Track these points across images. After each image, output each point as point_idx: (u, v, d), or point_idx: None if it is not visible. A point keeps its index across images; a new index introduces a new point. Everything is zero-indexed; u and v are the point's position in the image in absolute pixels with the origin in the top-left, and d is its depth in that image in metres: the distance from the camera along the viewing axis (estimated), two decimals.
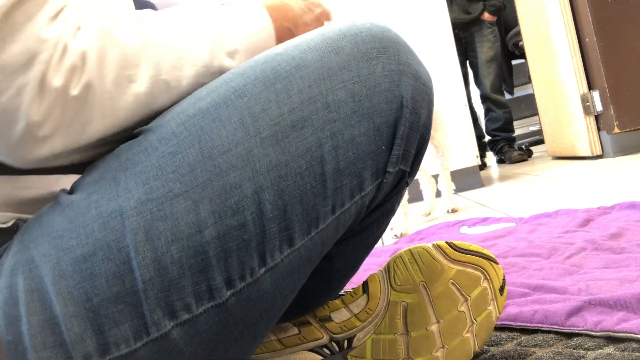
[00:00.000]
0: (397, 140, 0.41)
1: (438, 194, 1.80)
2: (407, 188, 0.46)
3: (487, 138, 3.51)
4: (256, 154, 0.36)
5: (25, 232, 0.37)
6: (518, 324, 0.64)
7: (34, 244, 0.36)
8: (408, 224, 1.58)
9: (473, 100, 3.39)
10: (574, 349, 0.55)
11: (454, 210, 1.74)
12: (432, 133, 1.68)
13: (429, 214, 1.78)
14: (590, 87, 2.25)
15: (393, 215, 0.48)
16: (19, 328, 0.34)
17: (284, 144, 0.37)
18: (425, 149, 0.45)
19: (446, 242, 0.53)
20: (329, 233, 0.40)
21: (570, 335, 0.59)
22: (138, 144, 0.38)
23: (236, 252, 0.36)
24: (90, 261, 0.34)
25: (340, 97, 0.39)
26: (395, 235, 1.52)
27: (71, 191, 0.39)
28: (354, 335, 0.52)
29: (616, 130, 2.13)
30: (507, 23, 3.48)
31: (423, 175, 1.80)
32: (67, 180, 0.43)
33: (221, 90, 0.38)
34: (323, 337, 0.51)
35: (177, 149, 0.36)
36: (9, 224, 0.39)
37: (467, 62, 3.33)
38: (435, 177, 1.81)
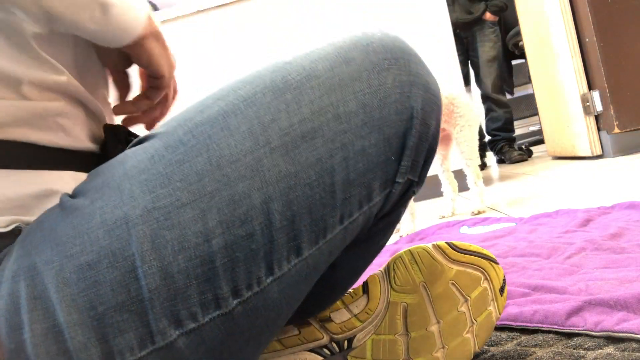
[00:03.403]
0: (407, 151, 0.41)
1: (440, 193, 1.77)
2: (422, 186, 0.46)
3: (487, 138, 3.51)
4: (265, 164, 0.36)
5: (27, 237, 0.37)
6: (518, 324, 0.64)
7: (36, 250, 0.35)
8: (414, 225, 1.54)
9: (473, 100, 3.39)
10: (574, 349, 0.55)
11: (480, 212, 1.61)
12: (450, 129, 1.61)
13: (452, 214, 1.70)
14: (590, 87, 2.25)
15: (398, 223, 0.48)
16: (21, 336, 0.34)
17: (294, 155, 0.37)
18: (433, 158, 0.45)
19: (446, 243, 0.53)
20: (337, 243, 0.40)
21: (570, 335, 0.59)
22: (144, 151, 0.37)
23: (243, 262, 0.35)
24: (94, 269, 0.34)
25: (351, 108, 0.39)
26: (401, 236, 1.51)
27: (74, 196, 0.38)
28: (354, 336, 0.52)
29: (616, 130, 2.13)
30: (507, 23, 3.48)
31: (444, 172, 1.70)
32: (65, 177, 0.42)
33: (229, 98, 0.38)
34: (323, 337, 0.52)
35: (185, 157, 0.36)
36: (9, 228, 0.39)
37: (469, 61, 3.33)
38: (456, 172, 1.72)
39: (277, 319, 0.39)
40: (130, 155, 0.38)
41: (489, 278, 0.54)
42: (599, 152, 2.26)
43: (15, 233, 0.39)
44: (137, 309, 0.34)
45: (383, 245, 0.48)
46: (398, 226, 1.51)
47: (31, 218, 0.40)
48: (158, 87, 0.52)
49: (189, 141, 0.37)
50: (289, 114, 0.37)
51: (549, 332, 0.61)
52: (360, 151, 0.39)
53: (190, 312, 0.35)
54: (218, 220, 0.35)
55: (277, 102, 0.38)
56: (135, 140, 0.40)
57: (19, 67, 0.40)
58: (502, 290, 0.55)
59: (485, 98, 3.32)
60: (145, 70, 0.51)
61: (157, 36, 0.48)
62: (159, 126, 0.40)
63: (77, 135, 0.45)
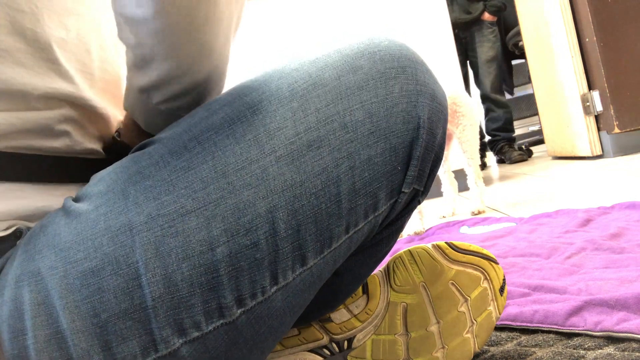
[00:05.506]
0: (413, 161, 0.41)
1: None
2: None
3: (487, 138, 3.51)
4: (271, 173, 0.36)
5: (30, 241, 0.37)
6: (518, 324, 0.64)
7: (39, 255, 0.35)
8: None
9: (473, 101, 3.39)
10: (574, 349, 0.55)
11: (480, 212, 1.61)
12: (452, 128, 1.61)
13: (453, 214, 1.70)
14: (590, 87, 2.25)
15: (402, 230, 0.48)
16: (24, 342, 0.34)
17: (300, 164, 0.36)
18: (439, 167, 0.45)
19: (446, 243, 0.53)
20: (341, 252, 0.39)
21: (570, 335, 0.59)
22: (149, 157, 0.37)
23: (248, 271, 0.35)
24: (98, 276, 0.34)
25: (358, 117, 0.38)
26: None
27: (77, 199, 0.38)
28: (354, 336, 0.52)
29: (616, 130, 2.13)
30: (507, 23, 3.48)
31: (445, 172, 1.70)
32: (68, 193, 0.42)
33: (235, 104, 0.38)
34: (323, 337, 0.51)
35: (190, 164, 0.36)
36: (9, 232, 0.38)
37: (468, 62, 3.33)
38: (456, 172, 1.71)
39: (280, 327, 0.39)
40: (134, 161, 0.37)
41: (488, 278, 0.54)
42: (599, 152, 2.26)
43: (16, 235, 0.39)
44: (141, 316, 0.34)
45: (387, 253, 0.48)
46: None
47: (32, 224, 0.39)
48: None
49: (194, 148, 0.36)
50: (295, 122, 0.37)
51: (549, 332, 0.61)
52: (367, 160, 0.38)
53: (194, 320, 0.34)
54: (222, 229, 0.35)
55: (283, 110, 0.37)
56: (137, 145, 0.40)
57: (34, 78, 0.39)
58: (502, 290, 0.55)
59: (484, 98, 3.32)
60: None
61: None
62: (162, 131, 0.40)
63: (78, 139, 0.44)
